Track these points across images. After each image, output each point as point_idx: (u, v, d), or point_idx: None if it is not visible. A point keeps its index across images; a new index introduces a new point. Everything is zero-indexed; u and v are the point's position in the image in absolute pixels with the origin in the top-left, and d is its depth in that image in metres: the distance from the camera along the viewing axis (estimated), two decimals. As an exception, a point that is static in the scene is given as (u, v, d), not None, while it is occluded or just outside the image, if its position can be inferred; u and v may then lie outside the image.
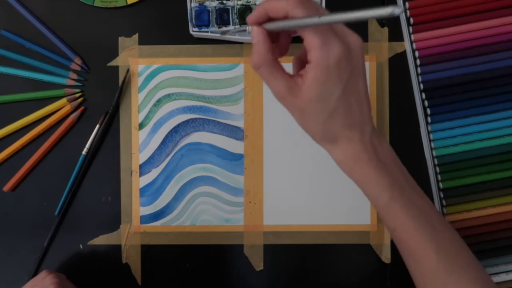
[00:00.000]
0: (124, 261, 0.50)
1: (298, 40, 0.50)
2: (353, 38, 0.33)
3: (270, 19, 0.33)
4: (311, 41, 0.31)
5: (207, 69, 0.50)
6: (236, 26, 0.48)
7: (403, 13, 0.49)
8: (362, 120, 0.35)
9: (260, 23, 0.34)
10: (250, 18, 0.34)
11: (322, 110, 0.33)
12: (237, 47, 0.50)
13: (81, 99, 0.50)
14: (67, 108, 0.49)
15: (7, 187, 0.50)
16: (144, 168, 0.50)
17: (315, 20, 0.29)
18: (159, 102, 0.50)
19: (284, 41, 0.37)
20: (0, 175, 0.50)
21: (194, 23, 0.48)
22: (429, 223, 0.36)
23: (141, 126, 0.50)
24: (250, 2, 0.48)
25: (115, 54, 0.50)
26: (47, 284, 0.43)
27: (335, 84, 0.32)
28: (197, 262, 0.50)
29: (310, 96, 0.33)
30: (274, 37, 0.37)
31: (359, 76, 0.34)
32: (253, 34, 0.34)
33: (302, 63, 0.37)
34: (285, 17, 0.32)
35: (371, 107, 0.37)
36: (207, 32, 0.48)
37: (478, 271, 0.38)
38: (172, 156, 0.50)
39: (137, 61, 0.50)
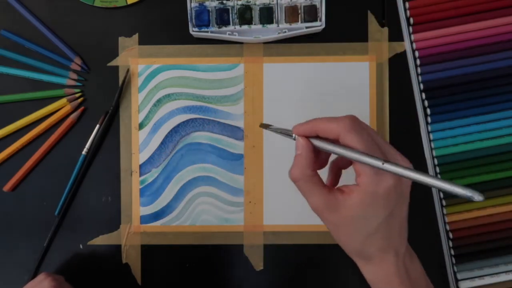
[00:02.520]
0: (124, 261, 0.50)
1: (303, 40, 0.50)
2: (405, 166, 0.31)
3: (318, 136, 0.33)
4: (363, 168, 0.31)
5: (207, 69, 0.50)
6: (236, 26, 0.48)
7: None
8: (399, 243, 0.34)
9: (307, 136, 0.33)
10: (297, 128, 0.34)
11: (361, 232, 0.33)
12: (237, 47, 0.50)
13: (81, 99, 0.50)
14: (67, 108, 0.49)
15: (7, 187, 0.50)
16: (144, 168, 0.50)
17: (377, 164, 0.29)
18: (159, 102, 0.50)
19: (325, 155, 0.36)
20: (0, 175, 0.50)
21: (194, 23, 0.48)
22: None
23: (141, 126, 0.50)
24: (250, 2, 0.48)
25: (115, 54, 0.50)
26: (45, 287, 0.42)
27: (380, 212, 0.32)
28: (197, 262, 0.50)
29: (350, 217, 0.32)
30: (325, 158, 0.36)
31: (405, 203, 0.33)
32: (298, 145, 0.34)
33: (338, 169, 0.38)
34: (336, 140, 0.32)
35: (407, 227, 0.36)
36: (207, 32, 0.48)
37: None
38: (172, 156, 0.50)
39: (137, 61, 0.50)
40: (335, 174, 0.38)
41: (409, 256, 0.36)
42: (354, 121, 0.32)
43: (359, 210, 0.31)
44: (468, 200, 0.27)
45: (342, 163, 0.37)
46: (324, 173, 0.36)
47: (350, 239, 0.34)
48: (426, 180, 0.28)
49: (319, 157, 0.36)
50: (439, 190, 0.27)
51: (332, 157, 0.36)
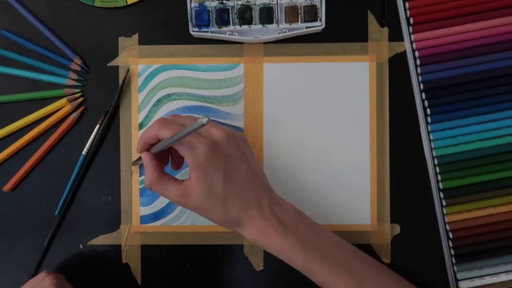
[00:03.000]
0: (124, 261, 0.50)
1: (303, 40, 0.50)
2: (217, 133, 0.38)
3: (152, 145, 0.39)
4: (182, 151, 0.37)
5: (207, 69, 0.50)
6: (236, 26, 0.48)
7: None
8: (256, 197, 0.38)
9: (147, 150, 0.40)
10: (137, 148, 0.40)
11: (215, 202, 0.37)
12: (237, 47, 0.50)
13: (81, 99, 0.50)
14: (67, 108, 0.49)
15: (7, 187, 0.50)
16: (144, 168, 0.50)
17: (173, 138, 0.35)
18: (159, 102, 0.50)
19: (176, 155, 0.43)
20: (0, 175, 0.50)
21: (194, 23, 0.48)
22: (350, 271, 0.39)
23: (141, 126, 0.50)
24: (250, 2, 0.48)
25: (115, 54, 0.50)
26: (45, 285, 0.42)
27: (214, 176, 0.37)
28: (197, 262, 0.50)
29: (199, 194, 0.37)
30: (166, 155, 0.43)
31: (236, 161, 0.38)
32: (143, 160, 0.39)
33: (177, 156, 0.43)
34: (159, 140, 0.38)
35: (263, 179, 0.41)
36: (207, 32, 0.48)
37: None
38: (172, 156, 0.50)
39: (137, 61, 0.50)
40: (176, 156, 0.43)
41: (276, 203, 0.40)
42: (160, 120, 0.38)
43: (201, 186, 0.37)
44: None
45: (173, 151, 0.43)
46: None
47: (213, 213, 0.38)
48: (175, 137, 0.35)
49: (174, 159, 0.43)
50: (185, 136, 0.35)
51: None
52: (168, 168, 0.44)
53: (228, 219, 0.38)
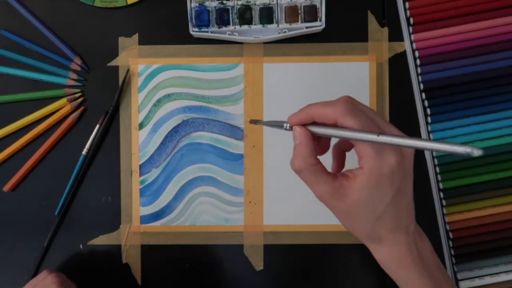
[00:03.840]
0: (124, 261, 0.50)
1: (303, 40, 0.50)
2: (403, 148, 0.32)
3: (315, 122, 0.33)
4: (364, 149, 0.30)
5: (207, 69, 0.50)
6: (236, 26, 0.48)
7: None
8: (407, 222, 0.34)
9: (303, 125, 0.33)
10: (292, 118, 0.33)
11: (370, 215, 0.32)
12: (237, 47, 0.50)
13: (81, 99, 0.50)
14: (67, 108, 0.49)
15: (7, 187, 0.50)
16: (144, 168, 0.50)
17: (372, 137, 0.29)
18: (159, 102, 0.50)
19: (325, 140, 0.36)
20: (0, 175, 0.50)
21: (194, 23, 0.48)
22: None
23: (141, 126, 0.50)
24: (250, 2, 0.48)
25: (115, 54, 0.50)
26: (48, 284, 0.43)
27: (387, 192, 0.31)
28: (197, 262, 0.50)
29: (357, 201, 0.31)
30: (326, 143, 0.36)
31: (409, 181, 0.33)
32: (296, 135, 0.33)
33: (342, 152, 0.37)
34: (334, 125, 0.31)
35: (413, 205, 0.35)
36: (207, 32, 0.48)
37: None
38: (172, 156, 0.50)
39: (137, 61, 0.50)
40: (339, 158, 0.37)
41: (418, 234, 0.35)
42: (349, 103, 0.31)
43: (366, 193, 0.31)
44: (467, 163, 0.26)
45: (345, 146, 0.36)
46: (326, 160, 0.35)
47: (360, 224, 0.33)
48: (422, 144, 0.28)
49: (319, 144, 0.35)
50: (438, 151, 0.27)
51: (334, 141, 0.36)
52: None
53: (371, 234, 0.34)
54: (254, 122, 0.39)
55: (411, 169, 0.33)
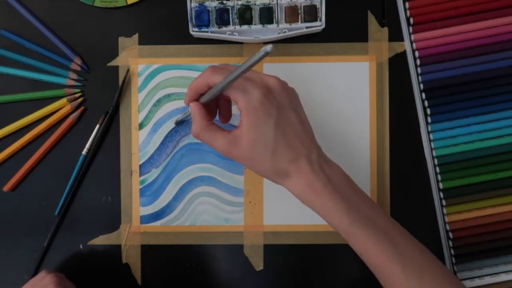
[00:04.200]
0: (124, 261, 0.50)
1: (303, 40, 0.50)
2: (271, 80, 0.37)
3: (202, 95, 0.38)
4: (235, 95, 0.36)
5: (207, 69, 0.50)
6: (236, 26, 0.48)
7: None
8: (306, 150, 0.37)
9: (195, 100, 0.39)
10: (185, 100, 0.39)
11: (265, 150, 0.36)
12: (237, 47, 0.50)
13: (81, 99, 0.50)
14: (67, 108, 0.49)
15: (7, 187, 0.50)
16: (144, 168, 0.50)
17: (227, 80, 0.34)
18: (159, 102, 0.50)
19: (224, 108, 0.43)
20: (0, 175, 0.50)
21: (194, 23, 0.48)
22: (392, 243, 0.37)
23: (141, 126, 0.50)
24: (250, 2, 0.48)
25: (115, 54, 0.50)
26: (46, 283, 0.43)
27: (266, 122, 0.35)
28: (197, 262, 0.50)
29: (249, 141, 0.36)
30: (214, 108, 0.42)
31: (288, 110, 0.37)
32: (191, 111, 0.39)
33: (223, 102, 0.43)
34: (209, 88, 0.37)
35: (312, 134, 0.39)
36: (207, 32, 0.48)
37: (446, 278, 0.38)
38: (172, 156, 0.50)
39: (137, 61, 0.50)
40: (224, 109, 0.43)
41: (327, 162, 0.38)
42: (212, 67, 0.37)
43: (252, 132, 0.35)
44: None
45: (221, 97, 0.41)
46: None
47: (261, 164, 0.37)
48: (237, 72, 0.33)
49: (222, 113, 0.43)
50: (251, 67, 0.32)
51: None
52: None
53: (275, 170, 0.37)
54: (178, 123, 0.49)
55: (286, 101, 0.37)
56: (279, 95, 0.37)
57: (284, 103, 0.37)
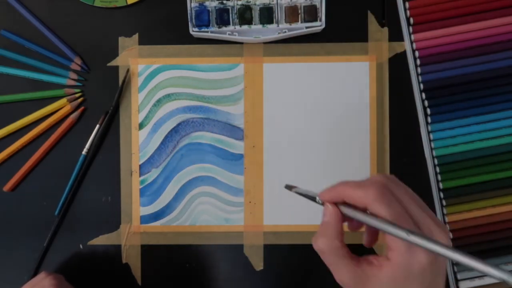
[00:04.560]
0: (124, 261, 0.50)
1: (303, 40, 0.50)
2: (443, 240, 0.29)
3: (346, 202, 0.31)
4: (394, 242, 0.28)
5: (207, 69, 0.50)
6: (236, 26, 0.48)
7: (404, 15, 0.49)
8: None
9: (334, 203, 0.31)
10: (323, 195, 0.32)
11: None
12: (237, 47, 0.50)
13: (81, 99, 0.50)
14: (67, 108, 0.49)
15: (7, 187, 0.50)
16: (144, 168, 0.50)
17: (402, 235, 0.27)
18: (159, 102, 0.50)
19: (356, 222, 0.34)
20: (0, 175, 0.50)
21: (194, 23, 0.48)
22: None
23: (141, 126, 0.50)
24: (250, 2, 0.48)
25: (115, 54, 0.50)
26: (45, 285, 0.42)
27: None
28: (197, 262, 0.50)
29: None
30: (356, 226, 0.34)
31: (442, 279, 0.30)
32: (326, 213, 0.31)
33: (374, 232, 0.35)
34: (365, 209, 0.30)
35: None
36: (207, 32, 0.48)
37: None
38: (172, 156, 0.50)
39: (137, 61, 0.50)
40: (372, 233, 0.35)
41: None
42: (382, 187, 0.29)
43: (391, 286, 0.29)
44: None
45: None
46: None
47: None
48: (455, 256, 0.25)
49: (350, 224, 0.35)
50: (470, 267, 0.25)
51: None
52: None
53: None
54: (289, 188, 0.37)
55: (444, 267, 0.30)
56: (443, 261, 0.30)
57: (442, 271, 0.30)
